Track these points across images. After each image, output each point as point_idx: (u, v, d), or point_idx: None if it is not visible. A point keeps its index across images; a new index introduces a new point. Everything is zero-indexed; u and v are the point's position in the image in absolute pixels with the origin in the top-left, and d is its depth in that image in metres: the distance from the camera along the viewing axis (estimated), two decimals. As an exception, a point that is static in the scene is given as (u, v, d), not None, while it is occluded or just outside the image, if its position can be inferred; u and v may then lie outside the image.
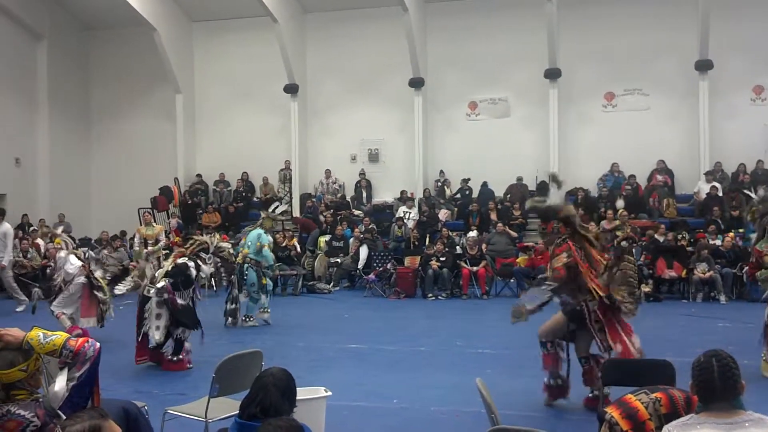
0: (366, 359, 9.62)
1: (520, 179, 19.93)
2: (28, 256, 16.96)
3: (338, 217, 19.40)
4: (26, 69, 21.63)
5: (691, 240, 16.02)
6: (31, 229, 19.12)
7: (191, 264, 9.27)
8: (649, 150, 19.28)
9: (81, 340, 3.40)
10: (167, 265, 9.37)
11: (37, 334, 3.36)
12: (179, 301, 9.10)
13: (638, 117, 19.75)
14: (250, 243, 12.34)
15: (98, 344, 3.43)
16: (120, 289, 9.91)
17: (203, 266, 9.55)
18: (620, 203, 17.82)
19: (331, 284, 17.24)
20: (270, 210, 13.18)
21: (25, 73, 21.57)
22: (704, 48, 18.64)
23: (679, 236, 15.88)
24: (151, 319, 8.98)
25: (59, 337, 3.38)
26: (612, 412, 3.49)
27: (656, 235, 16.01)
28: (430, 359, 9.57)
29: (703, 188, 18.37)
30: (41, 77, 22.00)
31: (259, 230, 12.50)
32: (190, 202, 21.09)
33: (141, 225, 17.61)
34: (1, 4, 20.26)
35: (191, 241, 10.04)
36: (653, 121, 19.64)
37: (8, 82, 20.95)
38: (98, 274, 10.92)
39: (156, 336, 8.95)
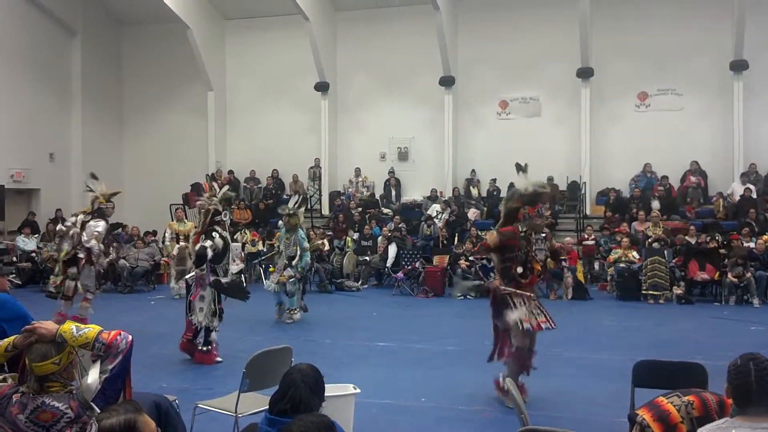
0: (394, 357, 9.62)
1: (550, 179, 19.72)
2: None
3: (367, 216, 19.40)
4: (60, 65, 21.92)
5: (724, 242, 15.80)
6: (66, 223, 19.33)
7: (207, 244, 9.19)
8: (682, 151, 19.04)
9: (113, 333, 3.44)
10: (192, 252, 9.44)
11: (70, 327, 3.40)
12: (222, 280, 9.19)
13: (672, 117, 19.52)
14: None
15: (130, 337, 3.46)
16: (174, 288, 9.94)
17: (217, 238, 9.28)
18: (656, 204, 17.57)
19: (360, 282, 17.26)
20: (291, 206, 12.90)
21: (59, 69, 21.86)
22: (739, 48, 18.38)
23: (708, 238, 15.67)
24: (195, 301, 9.09)
25: (92, 330, 3.42)
26: (643, 415, 3.45)
27: (687, 237, 15.83)
28: (459, 358, 9.54)
29: (737, 190, 18.11)
30: (75, 73, 22.28)
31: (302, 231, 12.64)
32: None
33: (172, 220, 17.75)
34: (36, 1, 20.55)
35: (202, 215, 9.70)
36: (687, 121, 19.40)
37: (43, 78, 21.24)
38: (64, 246, 10.59)
39: (199, 317, 9.04)
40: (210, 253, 9.14)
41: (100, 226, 10.48)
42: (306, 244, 12.61)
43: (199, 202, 9.83)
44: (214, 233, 9.30)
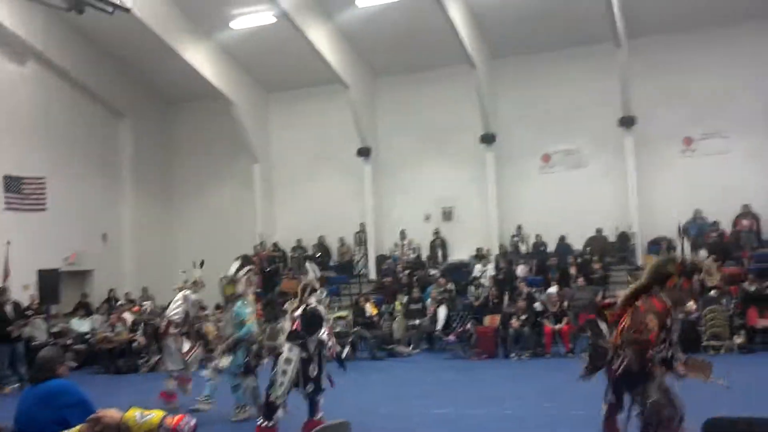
0: (452, 425, 9.39)
1: (599, 231, 19.56)
2: (115, 330, 17.31)
3: (414, 278, 19.27)
4: (110, 146, 22.55)
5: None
6: (118, 303, 19.60)
7: (312, 301, 8.70)
8: (732, 194, 18.61)
9: (177, 417, 3.41)
10: (288, 323, 8.99)
11: (133, 415, 3.39)
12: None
13: (719, 160, 19.17)
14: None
15: (194, 421, 3.44)
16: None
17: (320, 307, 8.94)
18: (703, 254, 17.12)
19: (411, 347, 17.08)
20: (232, 272, 10.70)
21: (109, 150, 22.48)
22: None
23: (766, 283, 15.22)
24: (277, 374, 8.55)
25: (155, 415, 3.40)
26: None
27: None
28: (519, 423, 9.32)
29: (794, 230, 17.66)
30: (124, 154, 22.88)
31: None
32: (267, 269, 21.33)
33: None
34: (84, 86, 21.24)
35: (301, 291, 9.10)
36: (735, 163, 19.01)
37: (94, 160, 21.84)
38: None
39: (278, 392, 8.50)
40: (322, 309, 8.74)
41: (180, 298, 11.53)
42: (246, 316, 10.20)
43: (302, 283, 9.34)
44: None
